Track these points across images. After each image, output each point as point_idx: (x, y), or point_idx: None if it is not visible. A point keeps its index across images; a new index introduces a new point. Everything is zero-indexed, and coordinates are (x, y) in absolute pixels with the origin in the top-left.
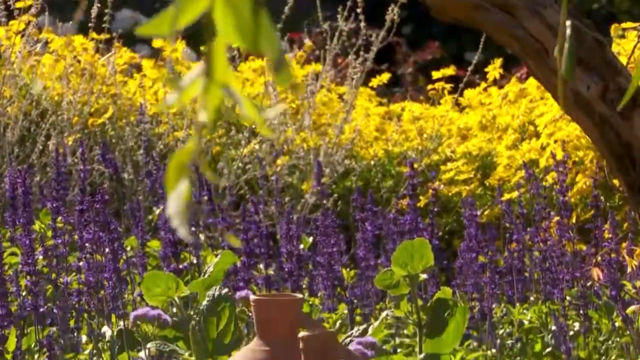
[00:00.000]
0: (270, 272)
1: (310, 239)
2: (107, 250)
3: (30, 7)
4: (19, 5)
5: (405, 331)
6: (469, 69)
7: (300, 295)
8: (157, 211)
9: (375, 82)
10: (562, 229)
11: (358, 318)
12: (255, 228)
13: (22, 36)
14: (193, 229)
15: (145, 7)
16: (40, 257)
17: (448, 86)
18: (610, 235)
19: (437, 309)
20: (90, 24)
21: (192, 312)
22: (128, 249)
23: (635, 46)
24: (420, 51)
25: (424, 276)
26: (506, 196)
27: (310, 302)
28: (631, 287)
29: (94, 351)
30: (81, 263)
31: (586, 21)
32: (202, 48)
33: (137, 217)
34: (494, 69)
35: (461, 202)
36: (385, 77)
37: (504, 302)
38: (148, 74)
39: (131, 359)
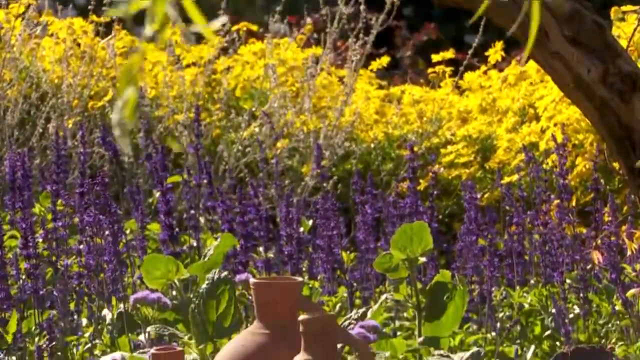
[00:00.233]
0: (270, 255)
1: (310, 222)
2: (107, 233)
3: None
4: None
5: (405, 314)
6: (469, 52)
7: (300, 279)
8: (157, 194)
9: (375, 65)
10: (562, 212)
11: (358, 301)
12: (255, 211)
13: (22, 19)
14: (192, 211)
15: None
16: (40, 240)
17: (448, 69)
18: (610, 218)
19: (436, 292)
20: (90, 7)
21: (192, 295)
22: (128, 232)
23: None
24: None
25: (423, 259)
26: (506, 179)
27: (310, 285)
28: (631, 270)
29: (94, 334)
30: (81, 246)
31: (586, 4)
32: None
33: (136, 200)
34: (495, 52)
35: (461, 185)
36: (385, 60)
37: (503, 285)
38: (148, 56)
39: (131, 342)
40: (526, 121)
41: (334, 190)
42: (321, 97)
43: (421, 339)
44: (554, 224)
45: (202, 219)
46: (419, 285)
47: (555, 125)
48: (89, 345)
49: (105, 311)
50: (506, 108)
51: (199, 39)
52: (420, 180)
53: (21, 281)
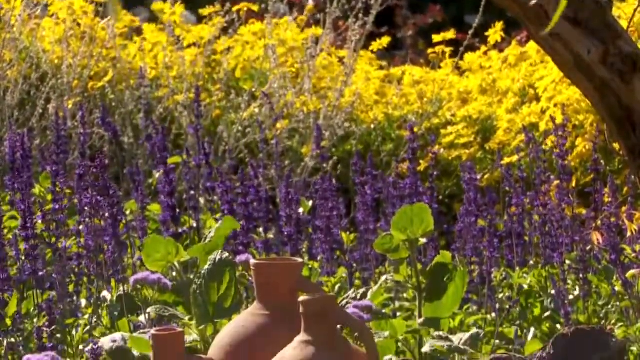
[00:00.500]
0: (270, 236)
1: (310, 203)
2: (106, 214)
3: None
4: None
5: (405, 295)
6: (470, 32)
7: (300, 260)
8: (157, 175)
9: (375, 45)
10: (561, 193)
11: (357, 282)
12: (255, 192)
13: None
14: (192, 192)
15: None
16: (40, 221)
17: (448, 50)
18: (610, 199)
19: (437, 273)
20: None
21: (192, 277)
22: (128, 212)
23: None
24: (421, 15)
25: (423, 240)
26: (506, 160)
27: (310, 266)
28: (631, 251)
29: (94, 315)
30: (81, 227)
31: None
32: None
33: (136, 181)
34: (495, 33)
35: (460, 166)
36: (386, 40)
37: (503, 266)
38: (148, 37)
39: (131, 324)
40: (526, 102)
41: (333, 171)
42: (321, 77)
43: (421, 320)
44: (554, 205)
45: (202, 200)
46: (419, 266)
47: (555, 106)
48: (89, 326)
49: (104, 293)
50: (506, 89)
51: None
52: (421, 161)
53: (20, 262)
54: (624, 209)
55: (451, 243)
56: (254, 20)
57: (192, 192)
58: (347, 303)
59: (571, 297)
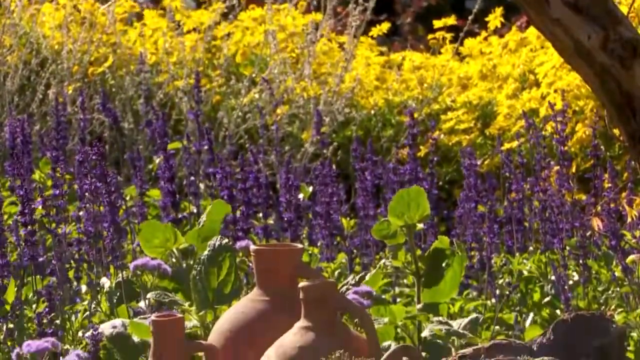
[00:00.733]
0: (270, 221)
1: (310, 189)
2: (106, 200)
3: None
4: None
5: (405, 280)
6: (470, 18)
7: (300, 245)
8: (157, 160)
9: (375, 31)
10: (561, 178)
11: (357, 267)
12: (254, 177)
13: None
14: (192, 178)
15: None
16: (39, 207)
17: (448, 35)
18: (610, 185)
19: (435, 258)
20: None
21: (191, 262)
22: (128, 198)
23: None
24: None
25: (421, 226)
26: (506, 145)
27: (310, 252)
28: (631, 236)
29: (93, 301)
30: (80, 213)
31: None
32: None
33: (136, 167)
34: (495, 18)
35: (460, 151)
36: (385, 26)
37: (503, 252)
38: (148, 23)
39: (130, 310)
40: (526, 87)
41: (333, 157)
42: (321, 63)
43: (420, 305)
44: (554, 190)
45: (202, 186)
46: (418, 252)
47: (555, 91)
48: (88, 312)
49: (104, 279)
50: (506, 74)
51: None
52: (421, 147)
53: (21, 248)
54: (624, 194)
55: (451, 229)
56: (254, 6)
57: (192, 178)
58: (347, 290)
59: (571, 282)
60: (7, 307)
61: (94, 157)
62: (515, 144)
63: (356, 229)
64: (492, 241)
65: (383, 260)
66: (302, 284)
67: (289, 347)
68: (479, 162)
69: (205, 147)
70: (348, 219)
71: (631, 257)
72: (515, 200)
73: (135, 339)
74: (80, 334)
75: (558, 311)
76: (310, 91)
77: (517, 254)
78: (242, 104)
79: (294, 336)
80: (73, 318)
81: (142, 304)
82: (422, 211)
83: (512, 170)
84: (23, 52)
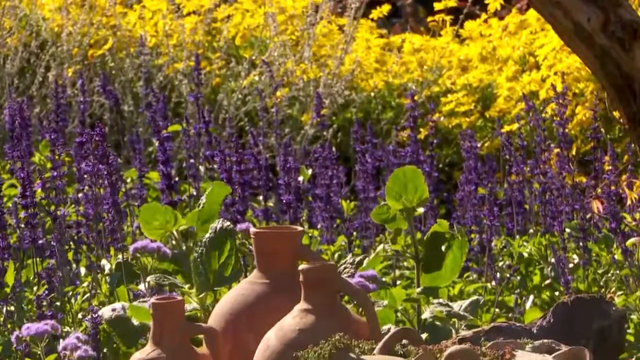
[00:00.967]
0: (270, 204)
1: (310, 171)
2: (105, 182)
3: None
4: None
5: (405, 263)
6: (470, 0)
7: (300, 228)
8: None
9: (375, 13)
10: (561, 161)
11: (357, 250)
12: (254, 160)
13: None
14: (192, 160)
15: None
16: (39, 189)
17: (448, 18)
18: (610, 168)
19: (434, 242)
20: None
21: (192, 245)
22: (128, 180)
23: None
24: None
25: (420, 210)
26: (506, 128)
27: (310, 234)
28: (631, 219)
29: (93, 284)
30: (80, 195)
31: None
32: None
33: (136, 149)
34: (495, 1)
35: (460, 134)
36: (386, 8)
37: (503, 234)
38: (148, 5)
39: (130, 292)
40: (526, 70)
41: (333, 139)
42: (321, 45)
43: (419, 289)
44: (554, 173)
45: (202, 168)
46: (418, 236)
47: (555, 74)
48: (88, 295)
49: (104, 261)
50: (506, 57)
51: None
52: (421, 129)
53: (20, 230)
54: (624, 177)
55: (451, 211)
56: None
57: (192, 160)
58: (345, 269)
59: (571, 265)
60: (7, 290)
61: (95, 139)
62: (515, 126)
63: (356, 211)
64: (492, 224)
65: (382, 245)
66: (302, 266)
67: (289, 329)
68: (479, 145)
69: (205, 130)
70: (348, 201)
71: (631, 240)
72: (515, 182)
73: (135, 322)
74: (80, 316)
75: (558, 294)
76: (310, 73)
77: (517, 237)
78: (241, 86)
79: (294, 319)
80: (73, 300)
81: (141, 286)
82: (420, 194)
83: (512, 152)
84: (23, 34)
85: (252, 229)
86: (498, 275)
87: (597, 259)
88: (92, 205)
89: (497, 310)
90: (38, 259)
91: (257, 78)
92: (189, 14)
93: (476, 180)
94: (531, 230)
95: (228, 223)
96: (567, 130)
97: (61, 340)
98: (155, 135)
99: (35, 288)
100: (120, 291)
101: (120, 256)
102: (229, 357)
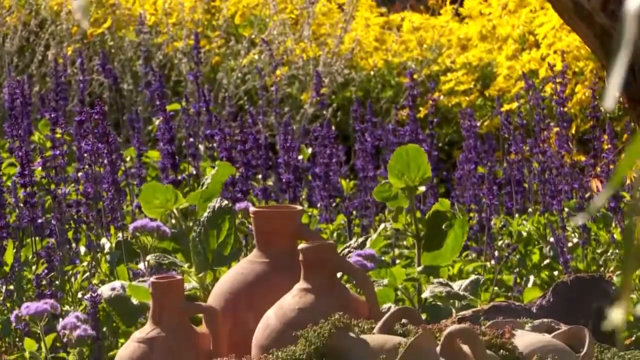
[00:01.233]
0: (269, 183)
1: (309, 150)
2: (105, 161)
3: None
4: None
5: (405, 242)
6: None
7: (299, 207)
8: (157, 122)
9: None
10: (561, 139)
11: (356, 229)
12: (253, 139)
13: None
14: (192, 139)
15: None
16: (39, 168)
17: None
18: (609, 146)
19: (435, 221)
20: None
21: (191, 224)
22: (127, 159)
23: None
24: None
25: (422, 189)
26: (506, 107)
27: (309, 213)
28: (630, 198)
29: (93, 262)
30: (79, 174)
31: None
32: None
33: (135, 128)
34: None
35: (460, 113)
36: None
37: (502, 213)
38: None
39: (130, 271)
40: (526, 48)
41: (333, 118)
42: (320, 24)
43: (420, 267)
44: (553, 152)
45: (201, 147)
46: (418, 214)
47: (555, 52)
48: (88, 274)
49: (103, 240)
50: (506, 35)
51: None
52: (420, 108)
53: (20, 209)
54: (623, 155)
55: (450, 190)
56: None
57: (192, 139)
58: (349, 252)
59: (570, 244)
60: (6, 269)
61: (95, 117)
62: (514, 105)
63: (355, 190)
64: (491, 203)
65: (384, 224)
66: (302, 245)
67: (289, 308)
68: (478, 124)
69: (204, 109)
70: (347, 180)
71: None
72: (514, 161)
73: (134, 301)
74: (79, 295)
75: (557, 273)
76: (309, 52)
77: (517, 216)
78: (241, 65)
79: (294, 298)
80: (72, 279)
81: (141, 265)
82: (422, 172)
83: (512, 131)
84: (22, 13)
85: (252, 208)
86: (497, 254)
87: (596, 238)
88: (92, 184)
89: (496, 289)
90: (37, 238)
91: (256, 57)
92: None
93: (475, 159)
94: (530, 209)
95: (227, 202)
96: (566, 109)
97: (61, 319)
98: (160, 113)
99: (34, 267)
100: (120, 270)
101: (120, 235)
102: (228, 336)
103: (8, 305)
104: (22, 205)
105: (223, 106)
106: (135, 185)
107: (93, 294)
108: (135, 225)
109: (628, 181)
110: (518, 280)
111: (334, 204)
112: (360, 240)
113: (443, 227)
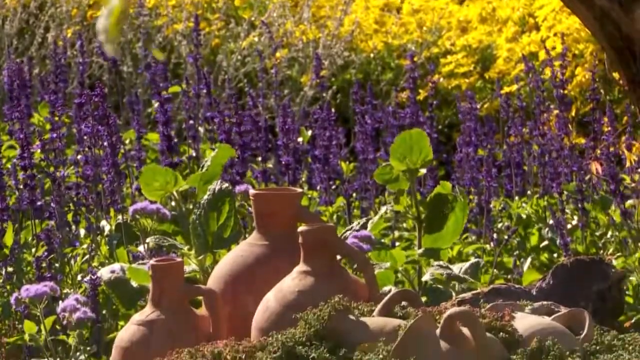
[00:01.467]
0: (269, 165)
1: (309, 132)
2: (105, 143)
3: None
4: None
5: (404, 225)
6: None
7: (299, 189)
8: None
9: None
10: (560, 122)
11: (356, 211)
12: (253, 121)
13: None
14: (192, 122)
15: None
16: (38, 151)
17: None
18: (609, 129)
19: (436, 204)
20: None
21: (191, 206)
22: (127, 142)
23: None
24: None
25: (423, 171)
26: (505, 89)
27: (309, 196)
28: (630, 180)
29: (93, 245)
30: (79, 156)
31: None
32: None
33: (135, 110)
34: None
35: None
36: None
37: (502, 196)
38: None
39: (130, 254)
40: (526, 31)
41: (333, 100)
42: (320, 6)
43: (420, 250)
44: (553, 134)
45: (201, 129)
46: (419, 197)
47: (555, 35)
48: (87, 256)
49: (103, 222)
50: (506, 17)
51: None
52: (420, 90)
53: (19, 192)
54: (623, 138)
55: (450, 173)
56: None
57: (192, 122)
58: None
59: (569, 227)
60: (6, 251)
61: (95, 100)
62: (514, 87)
63: (355, 172)
64: (490, 185)
65: (384, 207)
66: (301, 228)
67: (288, 291)
68: (478, 106)
69: (204, 91)
70: (347, 162)
71: (630, 201)
72: (514, 144)
73: (134, 283)
74: (79, 277)
75: (556, 255)
76: (309, 34)
77: (516, 198)
78: (241, 47)
79: (293, 280)
80: (72, 262)
81: (141, 247)
82: (424, 155)
83: (511, 114)
84: None
85: (252, 191)
86: (496, 236)
87: (595, 221)
88: (92, 166)
89: (495, 271)
90: (37, 220)
91: (256, 39)
92: None
93: (475, 141)
94: (530, 192)
95: (227, 184)
96: (566, 91)
97: (60, 302)
98: (155, 96)
99: (34, 249)
100: (120, 253)
101: (119, 217)
102: (228, 318)
103: (8, 287)
104: (21, 187)
105: (223, 89)
106: (135, 167)
107: (93, 277)
108: (135, 207)
109: (628, 164)
110: (517, 262)
111: (333, 187)
112: (361, 222)
113: (444, 210)
